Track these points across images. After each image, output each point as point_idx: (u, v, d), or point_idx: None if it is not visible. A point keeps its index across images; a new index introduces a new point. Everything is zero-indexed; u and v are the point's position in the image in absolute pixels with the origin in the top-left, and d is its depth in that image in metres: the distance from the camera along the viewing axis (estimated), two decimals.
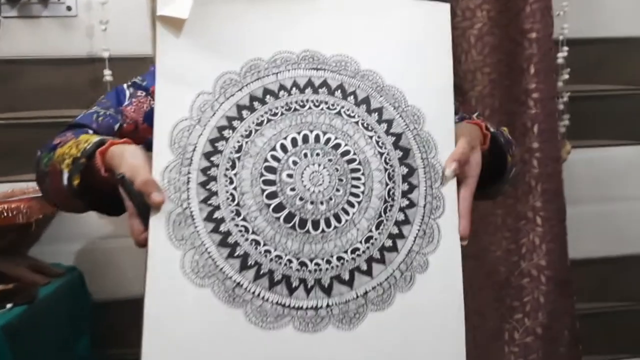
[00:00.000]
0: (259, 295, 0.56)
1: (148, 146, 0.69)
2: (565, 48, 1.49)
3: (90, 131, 0.74)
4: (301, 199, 0.59)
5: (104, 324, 1.39)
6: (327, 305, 0.57)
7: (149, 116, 0.75)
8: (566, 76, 1.51)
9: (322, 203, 0.60)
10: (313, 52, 0.62)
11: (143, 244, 0.57)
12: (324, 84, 0.62)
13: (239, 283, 0.56)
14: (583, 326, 1.52)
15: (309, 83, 0.62)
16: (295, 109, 0.61)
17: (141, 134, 0.76)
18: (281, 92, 0.61)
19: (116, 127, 0.76)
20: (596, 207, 1.64)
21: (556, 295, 1.49)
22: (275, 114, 0.61)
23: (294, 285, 0.57)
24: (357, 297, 0.58)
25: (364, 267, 0.59)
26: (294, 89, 0.61)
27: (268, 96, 0.61)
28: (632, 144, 1.64)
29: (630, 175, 1.65)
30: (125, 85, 0.80)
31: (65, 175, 0.65)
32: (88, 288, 1.37)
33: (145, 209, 0.57)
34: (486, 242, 1.50)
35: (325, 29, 0.63)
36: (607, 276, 1.67)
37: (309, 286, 0.57)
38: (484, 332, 1.49)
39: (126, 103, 0.77)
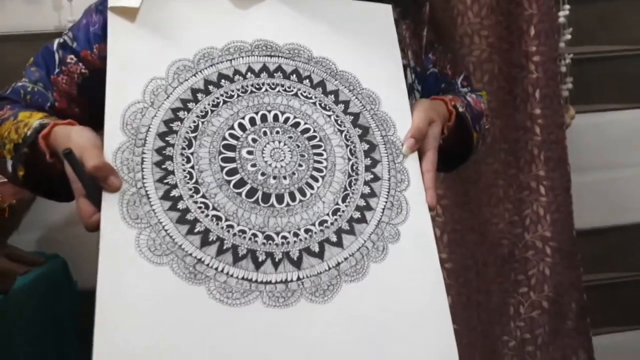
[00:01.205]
0: (222, 270, 0.54)
1: (91, 118, 0.66)
2: (567, 6, 1.44)
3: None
4: (263, 174, 0.59)
5: (92, 313, 1.34)
6: (298, 278, 0.55)
7: (82, 88, 0.69)
8: (568, 37, 1.46)
9: (285, 178, 0.59)
10: (266, 41, 0.65)
11: (94, 227, 0.54)
12: (279, 69, 0.64)
13: (200, 259, 0.54)
14: (590, 298, 1.50)
15: (264, 68, 0.63)
16: (252, 91, 0.62)
17: (79, 106, 0.70)
18: (236, 77, 0.62)
19: (47, 106, 0.68)
20: (602, 174, 1.61)
21: (562, 267, 1.46)
22: (231, 96, 0.61)
23: (260, 260, 0.55)
24: (329, 268, 0.57)
25: (334, 238, 0.58)
26: (249, 73, 0.63)
27: (223, 80, 0.62)
28: (639, 107, 1.60)
29: (637, 140, 1.61)
30: (54, 46, 0.70)
31: (9, 163, 0.62)
32: (73, 276, 1.33)
33: (94, 190, 0.54)
34: (488, 214, 1.47)
35: (277, 21, 0.66)
36: (614, 246, 1.64)
37: (276, 260, 0.56)
38: (488, 307, 1.47)
39: (56, 71, 0.69)
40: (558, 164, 1.43)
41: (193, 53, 0.62)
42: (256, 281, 0.54)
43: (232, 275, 0.53)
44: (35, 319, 1.16)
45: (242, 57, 0.63)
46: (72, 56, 0.69)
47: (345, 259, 0.57)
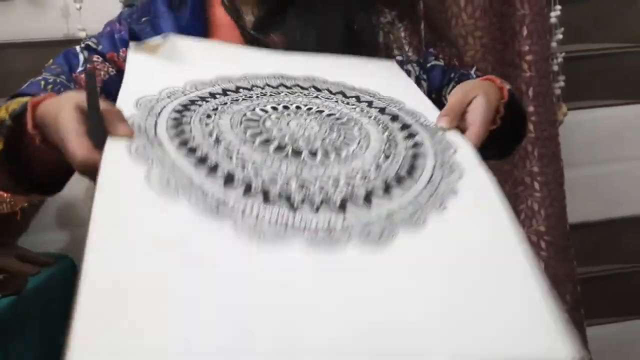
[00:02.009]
0: (251, 212, 0.44)
1: None
2: (558, 7, 1.46)
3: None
4: (291, 137, 0.53)
5: None
6: (344, 220, 0.45)
7: (107, 85, 0.68)
8: (560, 36, 1.47)
9: (315, 140, 0.53)
10: (282, 73, 0.65)
11: (89, 164, 0.45)
12: (296, 85, 0.64)
13: (223, 201, 0.44)
14: (584, 290, 1.52)
15: (282, 84, 0.63)
16: (271, 95, 0.61)
17: None
18: (254, 88, 0.62)
19: None
20: (594, 169, 1.62)
21: (557, 260, 1.48)
22: (250, 96, 0.60)
23: (295, 204, 0.46)
24: (379, 218, 0.46)
25: (380, 190, 0.49)
26: (267, 87, 0.62)
27: (241, 90, 0.61)
28: (628, 104, 1.62)
29: (627, 135, 1.63)
30: (78, 48, 0.70)
31: None
32: None
33: (98, 131, 0.46)
34: None
35: (292, 63, 0.68)
36: (606, 239, 1.66)
37: (315, 205, 0.46)
38: None
39: (80, 69, 0.68)
40: (551, 159, 1.45)
41: (211, 77, 0.62)
42: (293, 225, 0.44)
43: (263, 217, 0.44)
44: (45, 318, 1.18)
45: (259, 79, 0.64)
46: (98, 56, 0.69)
47: (396, 210, 0.47)
